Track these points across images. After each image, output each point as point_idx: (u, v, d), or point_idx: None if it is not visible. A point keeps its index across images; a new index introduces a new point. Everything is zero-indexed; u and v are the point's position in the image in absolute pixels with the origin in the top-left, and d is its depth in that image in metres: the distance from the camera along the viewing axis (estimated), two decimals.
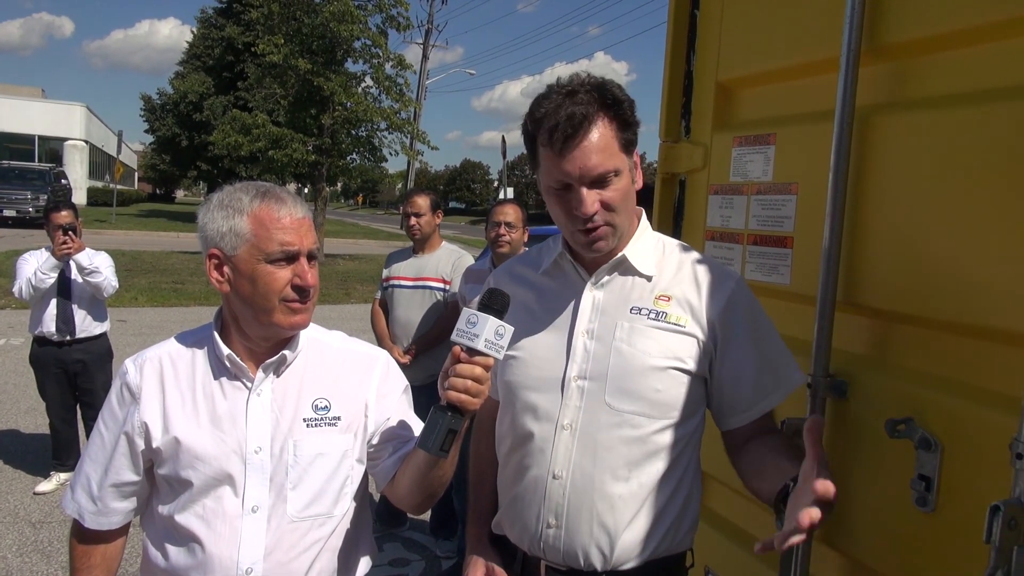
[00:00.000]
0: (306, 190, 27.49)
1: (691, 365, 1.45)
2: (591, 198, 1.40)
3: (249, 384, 1.48)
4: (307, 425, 1.49)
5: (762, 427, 1.48)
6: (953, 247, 1.38)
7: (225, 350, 1.47)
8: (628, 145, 1.42)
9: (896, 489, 1.45)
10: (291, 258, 1.42)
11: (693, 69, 2.12)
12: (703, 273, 1.50)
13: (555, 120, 1.37)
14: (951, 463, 1.36)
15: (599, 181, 1.39)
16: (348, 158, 20.24)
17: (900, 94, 1.53)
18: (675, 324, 1.45)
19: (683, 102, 2.14)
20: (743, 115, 1.97)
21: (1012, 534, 1.18)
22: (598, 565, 1.45)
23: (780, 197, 1.76)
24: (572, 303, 1.52)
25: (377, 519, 4.26)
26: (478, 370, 1.32)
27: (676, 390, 1.45)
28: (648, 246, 1.54)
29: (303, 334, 1.53)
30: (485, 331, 1.32)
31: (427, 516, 4.29)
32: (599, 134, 1.38)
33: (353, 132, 19.63)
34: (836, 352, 1.58)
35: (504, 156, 23.16)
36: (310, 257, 1.45)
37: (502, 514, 1.59)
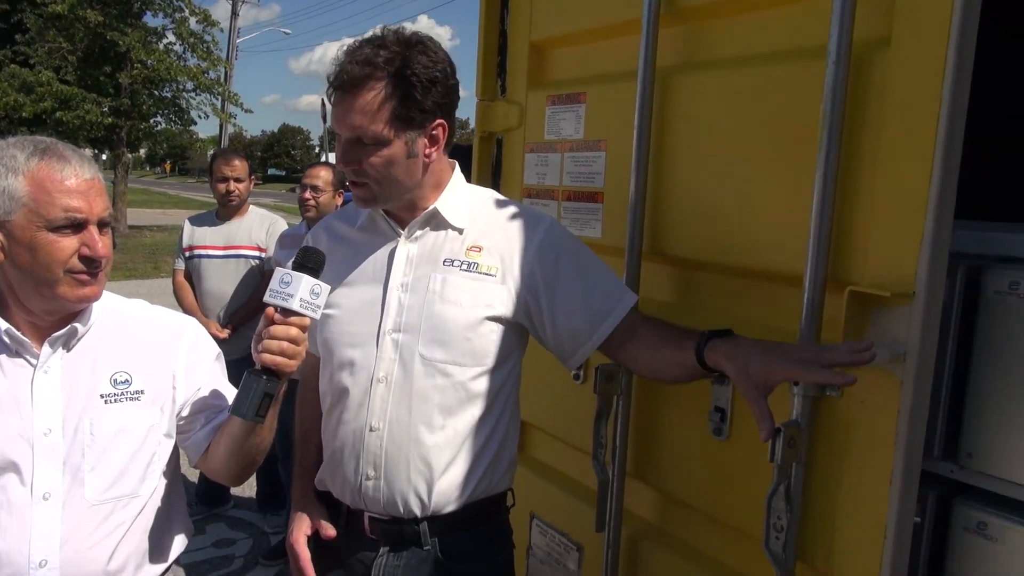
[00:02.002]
0: (104, 156, 25.13)
1: (504, 312, 1.48)
2: (346, 153, 1.43)
3: (34, 361, 1.34)
4: (105, 401, 1.37)
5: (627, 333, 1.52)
6: (739, 198, 1.50)
7: (3, 324, 1.32)
8: (406, 120, 1.41)
9: (696, 422, 1.58)
10: (78, 226, 1.29)
11: (507, 29, 2.14)
12: (515, 221, 1.54)
13: (338, 68, 1.40)
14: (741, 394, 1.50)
15: (358, 142, 1.41)
16: (151, 121, 18.67)
17: (694, 55, 1.63)
18: (486, 273, 1.49)
19: (498, 61, 2.16)
20: (556, 74, 2.02)
21: (791, 452, 1.33)
22: (418, 511, 1.48)
23: (591, 154, 1.83)
24: (387, 258, 1.52)
25: (198, 500, 4.05)
26: (293, 331, 1.28)
27: (489, 338, 1.48)
28: (460, 199, 1.55)
29: (97, 305, 1.41)
30: (300, 290, 1.28)
31: (253, 493, 4.14)
32: (369, 99, 1.39)
33: (156, 93, 18.09)
34: (643, 300, 1.68)
35: (325, 120, 22.35)
36: (101, 224, 1.32)
37: (324, 469, 1.58)
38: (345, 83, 1.39)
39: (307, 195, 3.54)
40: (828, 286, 1.32)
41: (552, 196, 1.96)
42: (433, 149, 1.47)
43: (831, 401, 1.33)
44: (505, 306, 1.49)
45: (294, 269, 1.30)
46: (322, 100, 21.95)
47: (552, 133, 1.94)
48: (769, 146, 1.45)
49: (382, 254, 1.54)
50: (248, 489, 4.22)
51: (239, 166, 3.80)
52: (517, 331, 1.54)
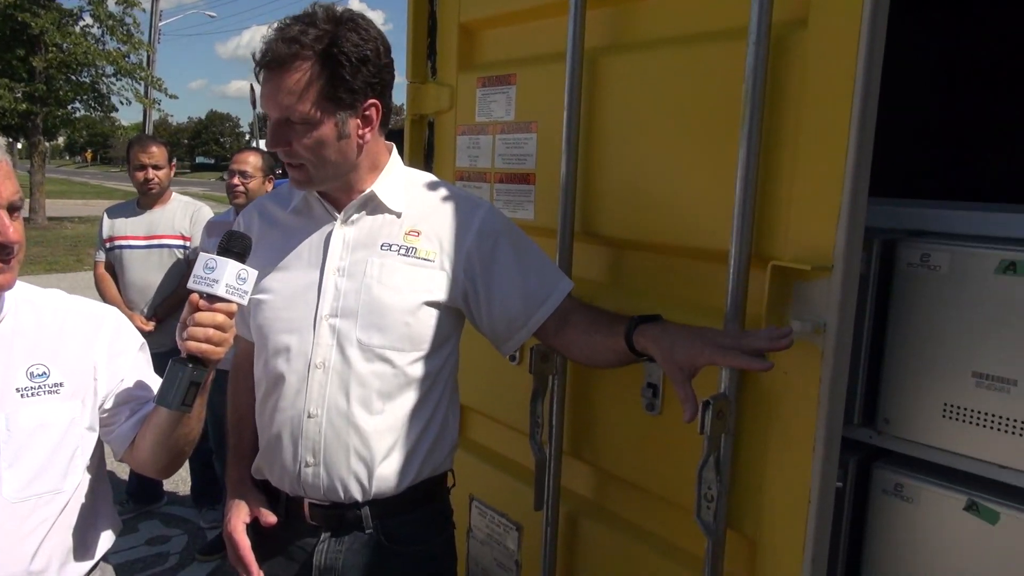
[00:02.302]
0: (20, 145, 23.92)
1: (441, 297, 1.48)
2: (275, 135, 1.40)
3: None
4: (21, 395, 1.32)
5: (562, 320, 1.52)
6: (667, 177, 1.53)
7: None
8: (335, 100, 1.38)
9: (629, 398, 1.61)
10: None
11: (437, 10, 2.12)
12: (453, 205, 1.53)
13: (265, 47, 1.37)
14: None
15: (287, 122, 1.39)
16: (69, 107, 17.85)
17: (621, 37, 1.65)
18: (424, 259, 1.48)
19: (428, 43, 2.14)
20: (485, 56, 2.02)
21: (720, 423, 1.37)
22: (359, 496, 1.47)
23: (522, 136, 1.83)
24: (322, 241, 1.50)
25: (130, 498, 3.93)
26: (220, 317, 1.26)
27: (427, 323, 1.48)
28: (398, 182, 1.54)
29: (10, 294, 1.34)
30: (225, 276, 1.25)
31: (188, 489, 4.04)
32: (297, 79, 1.36)
33: (73, 78, 17.32)
34: (576, 280, 1.69)
35: (254, 106, 21.74)
36: (11, 209, 1.27)
37: (260, 458, 1.56)
38: (271, 62, 1.36)
39: (235, 181, 3.44)
40: (752, 262, 1.36)
41: (484, 178, 1.96)
42: (367, 130, 1.45)
43: (756, 373, 1.37)
44: (443, 291, 1.48)
45: (219, 254, 1.27)
46: (251, 86, 21.37)
47: (483, 115, 1.94)
48: (694, 126, 1.47)
49: (317, 238, 1.51)
50: (183, 485, 4.12)
51: (157, 153, 3.67)
52: (455, 316, 1.54)
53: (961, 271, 1.31)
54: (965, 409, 1.33)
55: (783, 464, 1.36)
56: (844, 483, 1.48)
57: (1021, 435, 1.27)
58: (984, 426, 1.31)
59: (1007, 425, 1.28)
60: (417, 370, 1.49)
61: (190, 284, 1.26)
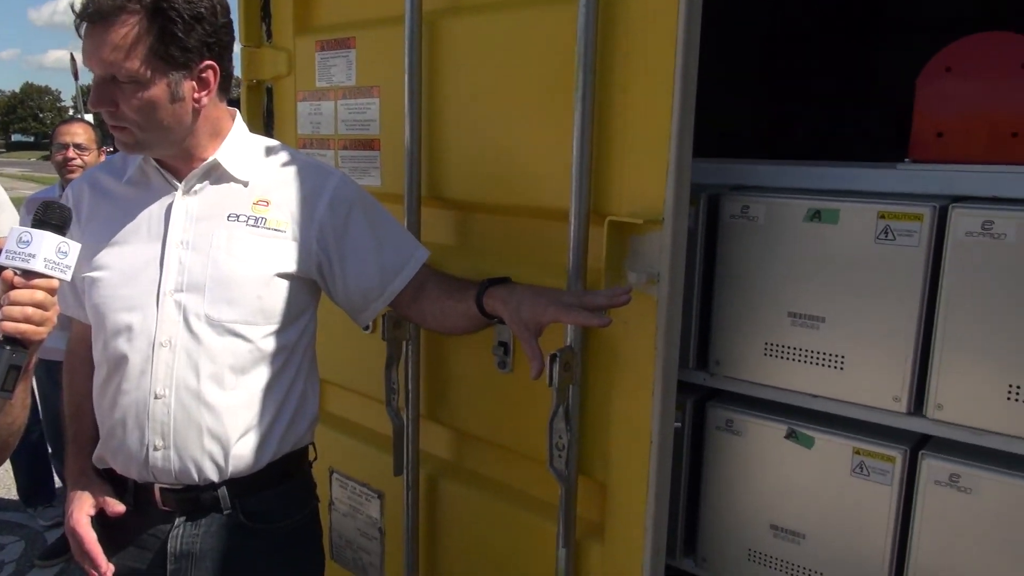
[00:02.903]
0: None
1: (294, 269, 1.44)
2: (98, 93, 1.32)
3: None
4: None
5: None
6: (508, 139, 1.56)
7: None
8: (166, 59, 1.31)
9: (481, 358, 1.65)
10: None
11: None
12: (303, 174, 1.49)
13: None
14: None
15: (112, 80, 1.31)
16: None
17: (457, 0, 1.65)
18: (275, 229, 1.43)
19: (261, 5, 2.05)
20: (323, 19, 1.96)
21: (567, 375, 1.43)
22: (214, 477, 1.42)
23: (364, 101, 1.81)
24: (163, 213, 1.42)
25: None
26: (39, 295, 1.16)
27: (280, 295, 1.44)
28: (243, 150, 1.47)
29: None
30: (43, 249, 1.16)
31: (15, 491, 3.73)
32: (123, 34, 1.28)
33: None
34: (426, 245, 1.70)
35: (76, 78, 20.02)
36: None
37: (103, 445, 1.47)
38: (94, 15, 1.26)
39: (71, 154, 3.15)
40: (592, 219, 1.42)
41: (328, 145, 1.92)
42: (203, 94, 1.37)
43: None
44: (296, 263, 1.44)
45: (33, 226, 1.17)
46: (71, 55, 19.60)
47: (323, 80, 1.89)
48: (532, 89, 1.51)
49: (157, 209, 1.42)
50: (8, 489, 3.80)
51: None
52: (309, 287, 1.50)
53: (775, 221, 1.43)
54: (782, 346, 1.46)
55: (626, 409, 1.44)
56: (683, 423, 1.60)
57: (829, 366, 1.41)
58: (799, 360, 1.44)
59: (818, 358, 1.42)
60: (272, 344, 1.45)
61: (2, 260, 1.16)
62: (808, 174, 1.46)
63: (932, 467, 1.33)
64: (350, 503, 2.09)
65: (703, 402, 1.60)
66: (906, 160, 1.40)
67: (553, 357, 1.39)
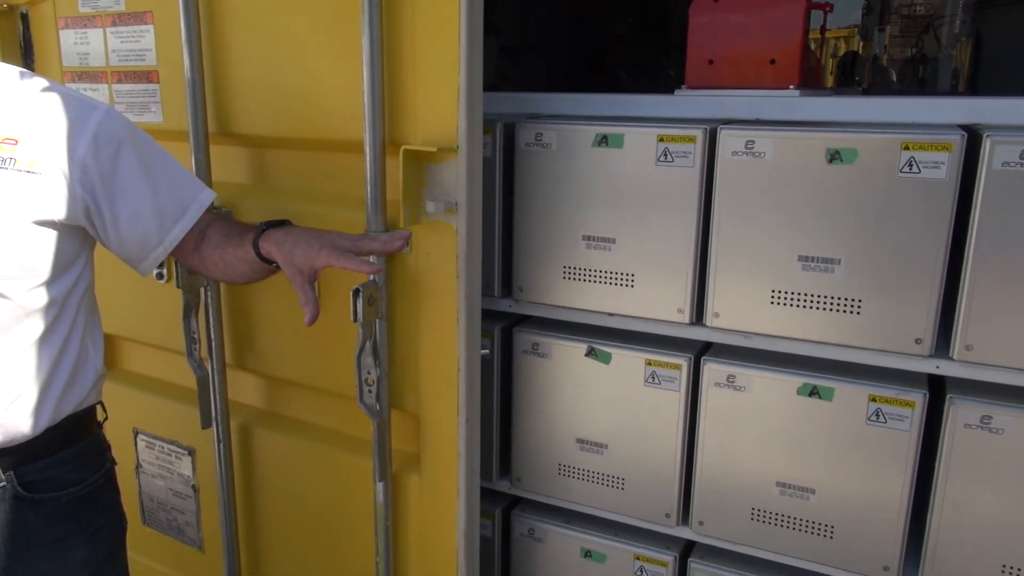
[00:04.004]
0: None
1: (56, 215, 1.30)
2: None
3: None
4: None
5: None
6: (297, 70, 1.49)
7: None
8: None
9: (286, 301, 1.59)
10: None
11: None
12: (60, 109, 1.33)
13: None
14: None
15: None
16: None
17: None
18: (28, 171, 1.28)
19: None
20: None
21: (372, 309, 1.41)
22: None
23: (137, 28, 1.65)
24: None
25: None
26: None
27: (42, 245, 1.30)
28: None
29: None
30: None
31: None
32: None
33: None
34: (217, 186, 1.60)
35: None
36: None
37: None
38: None
39: None
40: (388, 150, 1.39)
41: (100, 79, 1.74)
42: None
43: (403, 257, 1.43)
44: (57, 209, 1.30)
45: None
46: None
47: (87, 5, 1.70)
48: (318, 12, 1.44)
49: None
50: None
51: None
52: (79, 235, 1.36)
53: (567, 147, 1.47)
54: (579, 269, 1.52)
55: (433, 340, 1.45)
56: (491, 350, 1.64)
57: (622, 285, 1.49)
58: (595, 281, 1.52)
59: (611, 278, 1.50)
60: (38, 299, 1.31)
61: None
62: (597, 102, 1.52)
63: (712, 370, 1.46)
64: (159, 464, 1.98)
65: (510, 328, 1.65)
66: (683, 87, 1.49)
67: (356, 292, 1.37)
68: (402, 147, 1.33)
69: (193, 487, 1.93)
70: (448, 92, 1.31)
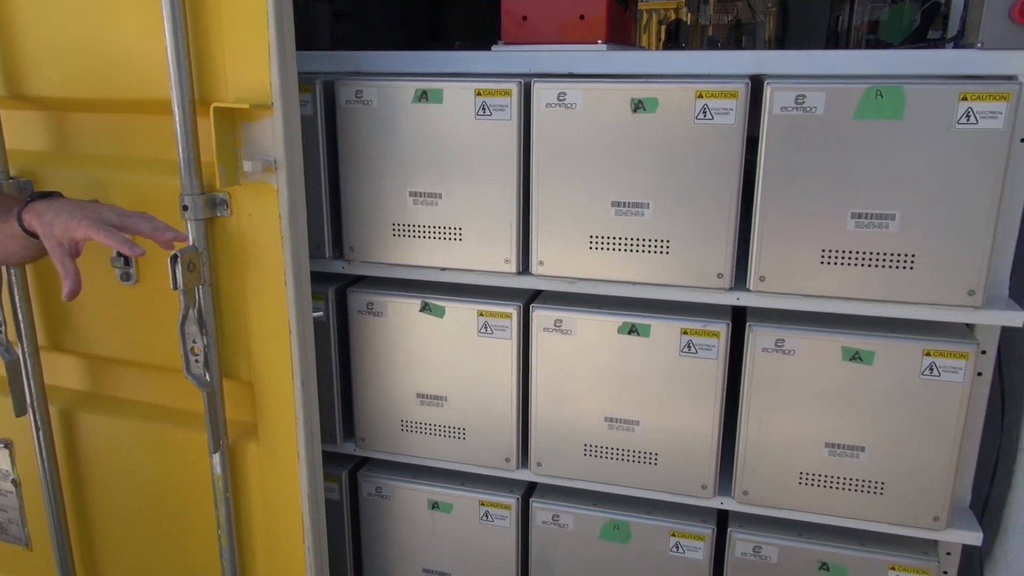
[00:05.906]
0: None
1: None
2: None
3: None
4: None
5: None
6: (94, 26, 1.39)
7: None
8: None
9: (102, 274, 1.50)
10: None
11: None
12: None
13: None
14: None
15: None
16: None
17: None
18: None
19: None
20: None
21: (193, 275, 1.36)
22: None
23: None
24: None
25: None
26: None
27: None
28: None
29: None
30: None
31: None
32: None
33: None
34: (12, 154, 1.49)
35: None
36: None
37: None
38: None
39: None
40: (199, 109, 1.34)
41: None
42: None
43: (223, 220, 1.39)
44: None
45: None
46: None
47: None
48: None
49: None
50: None
51: None
52: None
53: (387, 103, 1.47)
54: (408, 225, 1.54)
55: (262, 305, 1.42)
56: (325, 311, 1.63)
57: (451, 239, 1.52)
58: (424, 237, 1.54)
59: (440, 233, 1.52)
60: None
61: None
62: (416, 59, 1.52)
63: (540, 316, 1.52)
64: None
65: (344, 289, 1.64)
66: (499, 43, 1.52)
67: (174, 258, 1.32)
68: (212, 104, 1.29)
69: (14, 481, 1.80)
70: (258, 47, 1.28)
